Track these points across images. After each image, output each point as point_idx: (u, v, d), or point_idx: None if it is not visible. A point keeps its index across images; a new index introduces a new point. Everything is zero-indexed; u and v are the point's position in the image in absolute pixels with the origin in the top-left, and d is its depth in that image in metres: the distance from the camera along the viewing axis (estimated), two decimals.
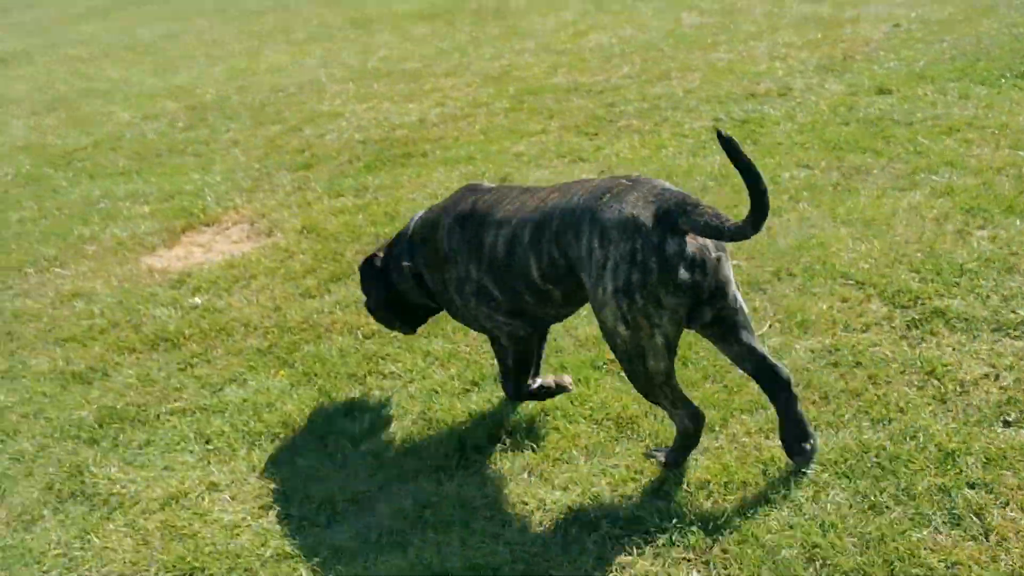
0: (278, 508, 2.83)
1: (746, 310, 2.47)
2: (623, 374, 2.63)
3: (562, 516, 2.57)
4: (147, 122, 8.55)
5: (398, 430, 3.11)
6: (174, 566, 2.64)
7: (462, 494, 2.71)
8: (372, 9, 14.49)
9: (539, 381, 2.93)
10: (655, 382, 2.40)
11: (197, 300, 4.39)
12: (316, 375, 3.55)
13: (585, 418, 2.95)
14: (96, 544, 2.79)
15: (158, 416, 3.47)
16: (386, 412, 3.23)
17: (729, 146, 2.11)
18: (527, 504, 2.64)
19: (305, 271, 4.56)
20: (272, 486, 2.94)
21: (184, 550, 2.68)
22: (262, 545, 2.67)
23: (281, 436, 3.21)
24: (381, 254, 3.05)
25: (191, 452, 3.21)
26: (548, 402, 3.02)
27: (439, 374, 3.38)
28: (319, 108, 8.06)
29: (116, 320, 4.32)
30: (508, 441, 2.92)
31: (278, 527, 2.74)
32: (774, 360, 2.51)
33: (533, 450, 2.86)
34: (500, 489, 2.71)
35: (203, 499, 2.94)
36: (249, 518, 2.81)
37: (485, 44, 9.92)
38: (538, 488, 2.69)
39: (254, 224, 5.42)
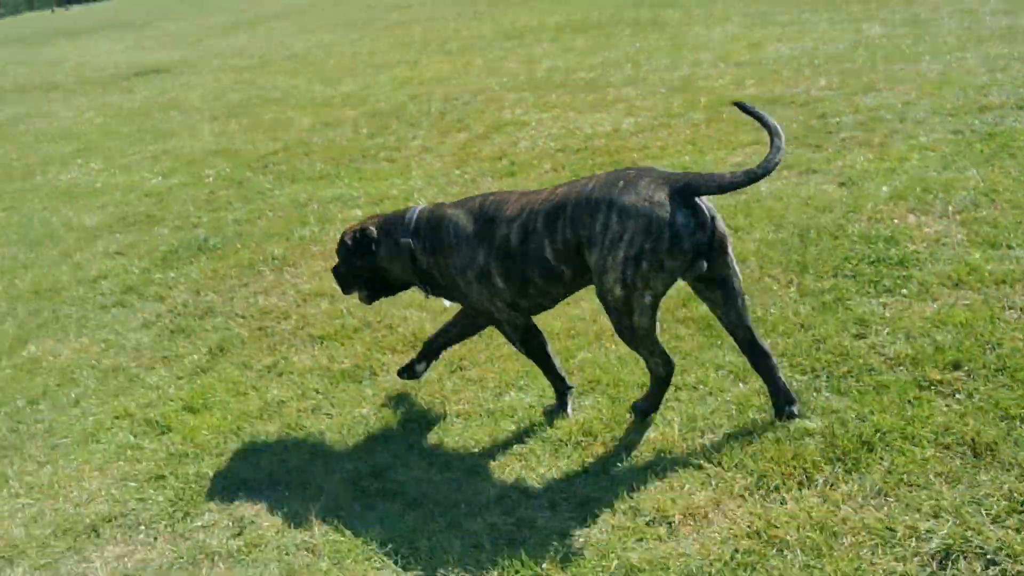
0: (602, 515, 2.74)
1: (740, 278, 2.90)
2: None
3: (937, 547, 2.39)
4: (330, 128, 8.73)
5: (719, 441, 2.99)
6: (516, 572, 2.58)
7: (813, 517, 2.57)
8: (523, 21, 14.56)
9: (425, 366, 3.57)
10: (639, 335, 2.86)
11: (446, 303, 4.38)
12: (598, 382, 3.47)
13: (930, 442, 2.77)
14: (424, 545, 2.76)
15: (444, 417, 3.45)
16: (696, 424, 3.11)
17: (746, 110, 2.88)
18: (894, 531, 2.47)
19: None
20: (593, 494, 2.85)
21: (518, 556, 2.62)
22: (602, 558, 2.58)
23: (583, 444, 3.13)
24: (373, 228, 3.34)
25: (491, 456, 3.16)
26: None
27: (740, 387, 3.25)
28: (502, 117, 8.08)
29: (367, 320, 4.35)
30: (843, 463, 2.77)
31: (612, 537, 2.65)
32: (758, 337, 2.95)
33: (883, 472, 2.69)
34: (854, 512, 2.56)
35: (520, 504, 2.88)
36: (576, 525, 2.73)
37: (655, 55, 9.80)
38: (902, 514, 2.52)
39: None
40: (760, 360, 2.96)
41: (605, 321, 3.34)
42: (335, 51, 14.69)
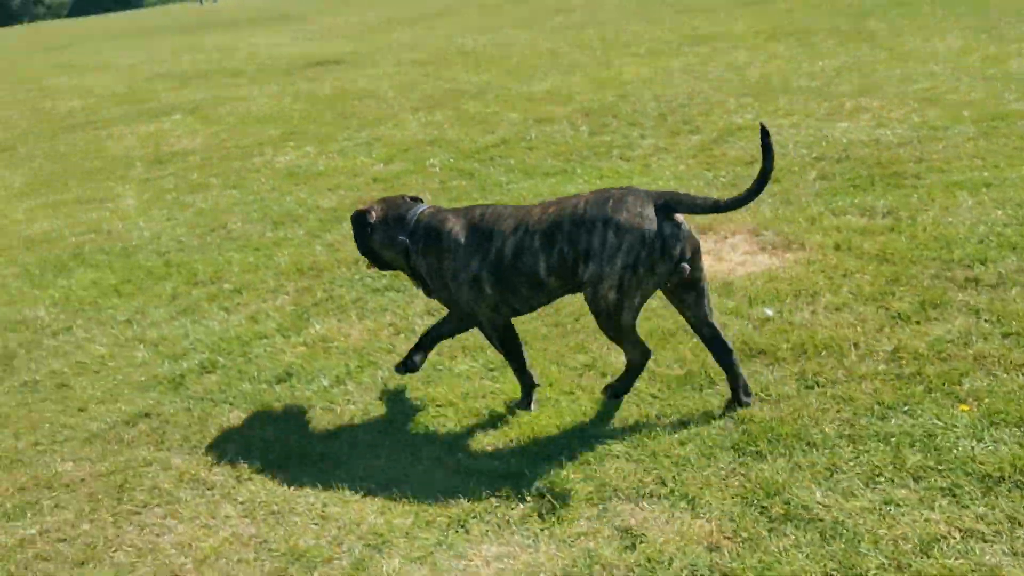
0: None
1: (707, 282, 3.27)
2: None
3: None
4: (544, 124, 8.55)
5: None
6: None
7: None
8: (705, 29, 14.15)
9: (421, 357, 3.78)
10: (624, 330, 3.25)
11: (768, 311, 4.08)
12: (1006, 412, 3.10)
13: None
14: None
15: (823, 435, 3.14)
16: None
17: (766, 136, 3.04)
18: None
19: (879, 292, 4.14)
20: None
21: None
22: None
23: (1010, 479, 2.77)
24: (375, 213, 3.60)
25: (896, 483, 2.84)
26: None
27: None
28: (732, 120, 7.74)
29: (680, 323, 4.08)
30: None
31: None
32: (723, 333, 3.32)
33: None
34: None
35: (962, 544, 2.55)
36: None
37: (880, 66, 9.26)
38: None
39: (759, 235, 5.10)
40: (723, 355, 3.31)
41: None
42: (513, 50, 14.59)
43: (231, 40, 25.30)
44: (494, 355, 4.02)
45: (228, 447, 3.62)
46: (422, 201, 3.65)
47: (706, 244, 5.09)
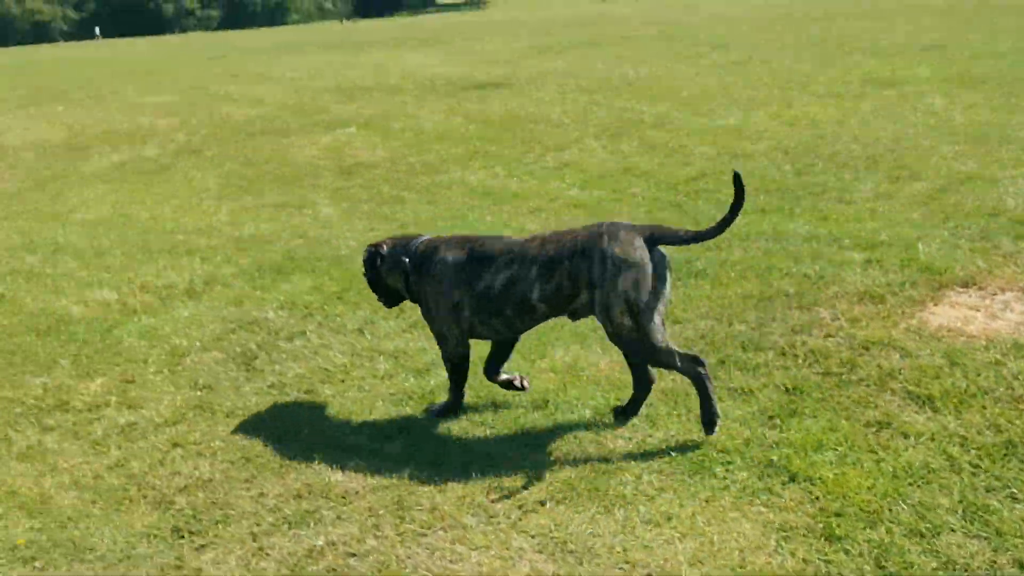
0: None
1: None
2: None
3: None
4: (740, 161, 8.27)
5: None
6: None
7: None
8: (882, 72, 13.58)
9: (505, 376, 3.95)
10: (660, 352, 3.40)
11: None
12: None
13: None
14: None
15: None
16: None
17: (739, 180, 3.37)
18: None
19: None
20: None
21: None
22: None
23: None
24: (385, 249, 3.94)
25: None
26: None
27: None
28: (954, 168, 7.29)
29: (989, 383, 3.75)
30: None
31: None
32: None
33: None
34: None
35: None
36: None
37: None
38: None
39: None
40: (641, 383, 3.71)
41: None
42: (679, 82, 14.36)
43: (382, 58, 25.96)
44: (768, 401, 3.78)
45: (500, 472, 3.47)
46: (421, 235, 3.99)
47: (971, 299, 4.73)
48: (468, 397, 4.05)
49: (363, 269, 4.06)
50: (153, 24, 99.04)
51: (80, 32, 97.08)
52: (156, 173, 10.13)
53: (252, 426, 4.03)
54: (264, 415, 4.14)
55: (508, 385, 3.95)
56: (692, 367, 3.44)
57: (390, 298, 4.11)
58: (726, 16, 29.10)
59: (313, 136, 11.78)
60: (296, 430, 3.95)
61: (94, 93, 20.84)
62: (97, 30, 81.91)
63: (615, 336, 3.47)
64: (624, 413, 3.71)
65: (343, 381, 4.41)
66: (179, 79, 23.77)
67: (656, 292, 3.36)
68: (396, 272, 3.89)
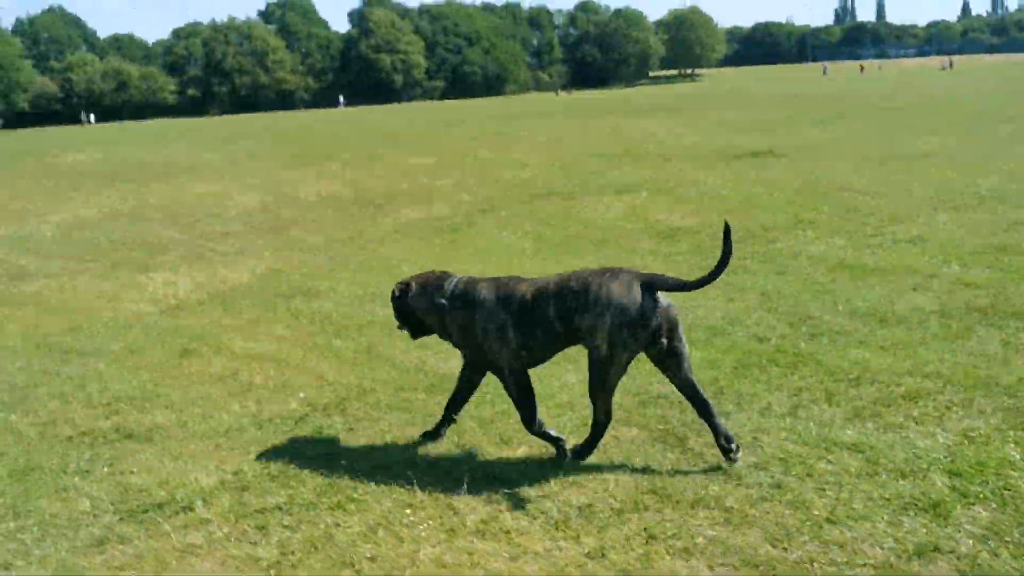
0: None
1: (687, 349, 3.88)
2: None
3: None
4: None
5: None
6: None
7: None
8: None
9: (550, 429, 4.13)
10: (606, 388, 3.86)
11: None
12: None
13: None
14: None
15: None
16: None
17: (728, 232, 3.73)
18: None
19: None
20: None
21: None
22: None
23: None
24: (413, 287, 4.32)
25: None
26: None
27: None
28: None
29: None
30: None
31: None
32: (702, 391, 3.90)
33: None
34: None
35: None
36: None
37: None
38: None
39: None
40: (703, 409, 3.88)
41: None
42: (996, 156, 13.07)
43: (621, 125, 25.93)
44: None
45: None
46: (452, 274, 4.28)
47: None
48: (983, 514, 3.32)
49: (392, 303, 4.41)
50: (384, 93, 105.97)
51: (318, 101, 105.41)
52: (456, 231, 10.13)
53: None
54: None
55: (550, 439, 4.12)
56: (606, 420, 3.94)
57: (415, 329, 4.44)
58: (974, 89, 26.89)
59: (602, 198, 11.52)
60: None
61: (361, 154, 21.96)
62: (341, 98, 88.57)
63: (591, 358, 3.84)
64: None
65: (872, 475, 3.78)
66: (432, 142, 24.71)
67: (635, 334, 3.69)
68: (432, 311, 4.23)
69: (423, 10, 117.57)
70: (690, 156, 15.94)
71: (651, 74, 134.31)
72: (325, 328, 6.35)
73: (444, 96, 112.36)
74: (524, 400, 4.07)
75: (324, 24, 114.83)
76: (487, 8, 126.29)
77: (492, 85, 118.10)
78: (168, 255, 9.68)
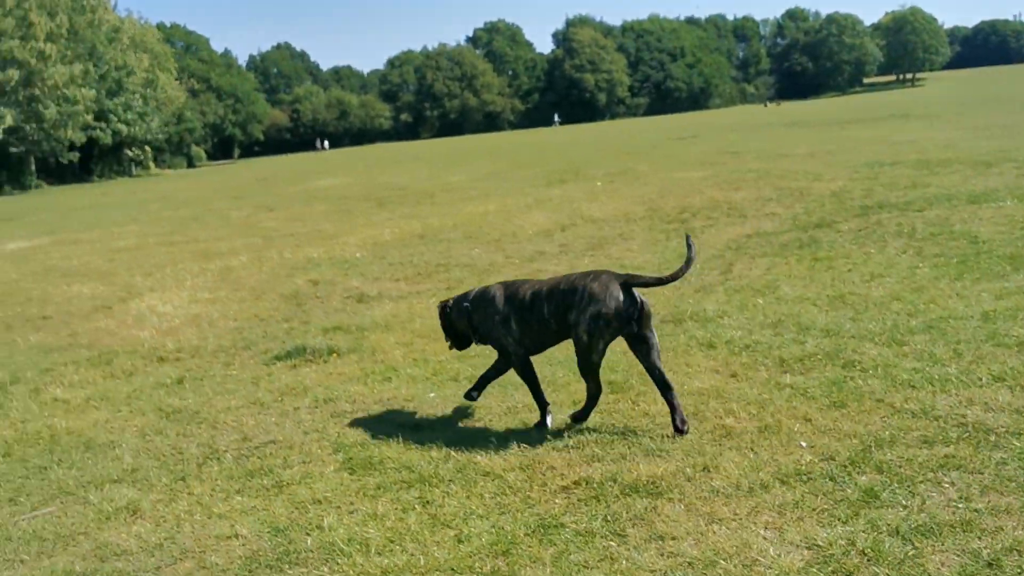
0: None
1: (657, 338, 4.54)
2: None
3: None
4: None
5: None
6: None
7: None
8: None
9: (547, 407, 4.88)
10: (592, 368, 4.55)
11: None
12: None
13: None
14: None
15: None
16: None
17: (690, 241, 4.58)
18: None
19: None
20: None
21: None
22: None
23: None
24: (451, 302, 5.11)
25: None
26: None
27: None
28: None
29: None
30: None
31: None
32: (666, 376, 4.51)
33: None
34: None
35: None
36: None
37: None
38: None
39: None
40: (665, 392, 4.48)
41: None
42: None
43: (878, 133, 23.91)
44: None
45: None
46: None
47: None
48: None
49: (440, 321, 5.21)
50: (587, 112, 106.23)
51: (523, 121, 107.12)
52: (805, 247, 9.08)
53: None
54: None
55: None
56: (597, 392, 4.64)
57: (459, 340, 5.14)
58: None
59: (955, 208, 10.11)
60: None
61: (615, 169, 21.38)
62: (556, 117, 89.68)
63: (576, 346, 4.54)
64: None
65: None
66: (684, 156, 23.77)
67: (610, 325, 4.39)
68: (461, 317, 5.00)
69: (626, 27, 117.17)
70: (1007, 160, 14.07)
71: (865, 80, 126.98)
72: (758, 359, 5.52)
73: (647, 113, 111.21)
74: (527, 378, 4.87)
75: (529, 46, 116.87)
76: (691, 21, 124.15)
77: (696, 100, 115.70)
78: (502, 277, 9.28)
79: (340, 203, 20.41)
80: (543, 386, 4.92)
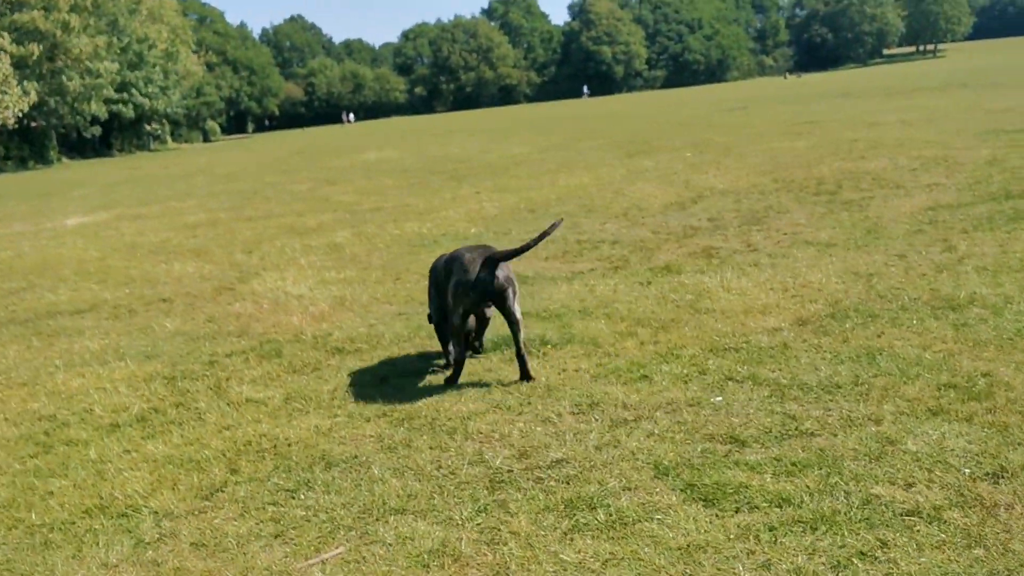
0: None
1: (518, 312, 5.02)
2: None
3: None
4: None
5: None
6: None
7: None
8: None
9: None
10: (451, 332, 5.06)
11: None
12: None
13: None
14: None
15: None
16: None
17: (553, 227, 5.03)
18: None
19: None
20: None
21: None
22: None
23: None
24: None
25: None
26: None
27: None
28: None
29: None
30: None
31: None
32: (522, 342, 5.03)
33: None
34: None
35: None
36: None
37: None
38: None
39: None
40: (518, 351, 5.06)
41: None
42: None
43: (972, 101, 22.85)
44: None
45: None
46: None
47: None
48: None
49: None
50: (604, 85, 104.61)
51: (539, 95, 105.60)
52: (1017, 220, 8.14)
53: None
54: None
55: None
56: (460, 357, 5.08)
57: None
58: None
59: None
60: None
61: (692, 140, 20.38)
62: (585, 89, 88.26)
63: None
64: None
65: None
66: (753, 126, 22.77)
67: (467, 295, 4.87)
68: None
69: None
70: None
71: (885, 52, 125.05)
72: None
73: (664, 86, 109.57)
74: (442, 338, 5.43)
75: (545, 18, 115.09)
76: None
77: (714, 72, 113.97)
78: (664, 255, 8.34)
79: (407, 176, 19.44)
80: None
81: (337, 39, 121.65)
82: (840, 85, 46.91)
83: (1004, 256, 6.81)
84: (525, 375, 5.08)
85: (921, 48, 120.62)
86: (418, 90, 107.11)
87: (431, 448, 4.33)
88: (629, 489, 3.71)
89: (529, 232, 9.96)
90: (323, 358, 6.03)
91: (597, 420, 4.48)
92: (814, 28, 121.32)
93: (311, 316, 7.24)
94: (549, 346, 5.76)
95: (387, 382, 5.39)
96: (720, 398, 4.62)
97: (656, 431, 4.27)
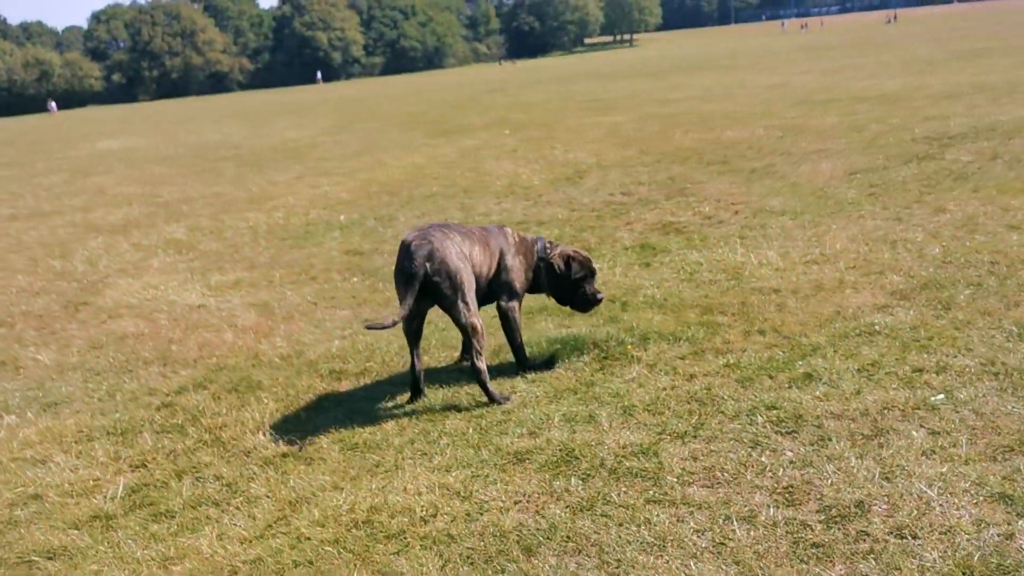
0: None
1: (466, 311, 4.15)
2: None
3: None
4: None
5: None
6: None
7: None
8: None
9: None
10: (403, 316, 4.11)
11: None
12: None
13: None
14: None
15: None
16: None
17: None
18: None
19: None
20: None
21: None
22: None
23: None
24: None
25: None
26: None
27: None
28: None
29: None
30: None
31: None
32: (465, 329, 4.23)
33: None
34: None
35: None
36: None
37: None
38: None
39: None
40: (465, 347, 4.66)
41: None
42: None
43: (738, 80, 24.08)
44: None
45: None
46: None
47: None
48: None
49: None
50: (323, 72, 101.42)
51: (254, 82, 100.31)
52: (960, 180, 8.08)
53: None
54: None
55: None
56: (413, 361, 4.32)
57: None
58: None
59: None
60: None
61: (492, 121, 19.53)
62: (319, 74, 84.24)
63: None
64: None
65: None
66: (546, 107, 22.42)
67: (399, 275, 4.13)
68: None
69: None
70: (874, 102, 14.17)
71: (587, 41, 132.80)
72: None
73: (384, 72, 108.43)
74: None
75: (253, 2, 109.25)
76: None
77: (431, 59, 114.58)
78: (585, 235, 7.37)
79: (181, 164, 16.82)
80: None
81: (12, 21, 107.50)
82: (561, 71, 48.35)
83: (980, 215, 6.56)
84: (490, 398, 4.19)
85: (618, 38, 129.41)
86: (116, 77, 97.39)
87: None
88: None
89: (423, 215, 8.54)
90: (328, 385, 4.39)
91: (839, 439, 3.40)
92: (522, 17, 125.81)
93: (243, 329, 5.44)
94: (628, 344, 4.57)
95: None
96: (941, 395, 3.72)
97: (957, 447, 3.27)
